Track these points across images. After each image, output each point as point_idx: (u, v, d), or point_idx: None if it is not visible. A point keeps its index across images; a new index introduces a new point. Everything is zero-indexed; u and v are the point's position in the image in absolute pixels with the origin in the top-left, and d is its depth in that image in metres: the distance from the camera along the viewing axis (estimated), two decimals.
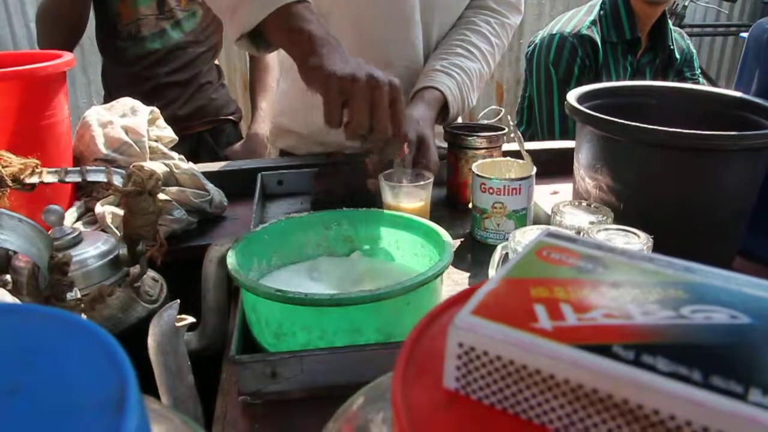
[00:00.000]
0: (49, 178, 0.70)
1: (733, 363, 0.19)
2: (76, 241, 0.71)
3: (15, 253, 0.69)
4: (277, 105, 1.35)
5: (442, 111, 1.07)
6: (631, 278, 0.24)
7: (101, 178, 0.72)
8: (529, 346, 0.20)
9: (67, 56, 0.91)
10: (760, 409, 0.17)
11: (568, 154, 0.93)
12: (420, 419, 0.19)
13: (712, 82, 3.58)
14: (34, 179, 0.69)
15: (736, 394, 0.18)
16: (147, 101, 1.08)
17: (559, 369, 0.19)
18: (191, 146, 1.68)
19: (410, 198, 0.85)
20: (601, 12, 1.75)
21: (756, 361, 0.19)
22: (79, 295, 0.62)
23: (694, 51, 1.93)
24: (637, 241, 0.68)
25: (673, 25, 1.92)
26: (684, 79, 1.88)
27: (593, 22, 1.74)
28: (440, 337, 0.21)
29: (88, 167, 0.72)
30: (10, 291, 0.65)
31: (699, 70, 1.96)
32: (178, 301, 0.62)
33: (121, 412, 0.17)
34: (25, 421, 0.17)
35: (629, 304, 0.22)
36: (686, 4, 3.27)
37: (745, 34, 1.02)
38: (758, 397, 0.17)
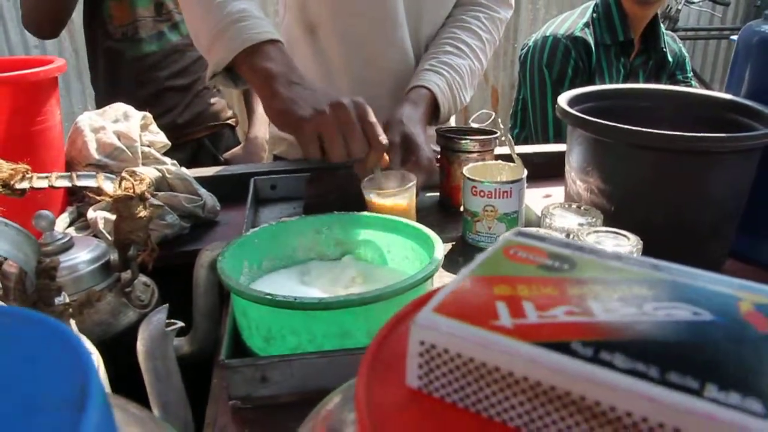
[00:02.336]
0: (39, 183, 0.70)
1: (692, 359, 0.19)
2: (67, 246, 0.71)
3: (5, 258, 0.69)
4: None
5: (434, 110, 1.07)
6: (597, 276, 0.24)
7: (91, 183, 0.72)
8: (487, 344, 0.20)
9: (58, 62, 0.91)
10: (715, 405, 0.17)
11: (561, 157, 0.93)
12: (382, 418, 0.19)
13: (706, 85, 3.59)
14: (24, 185, 0.69)
15: (692, 390, 0.18)
16: (146, 108, 1.08)
17: (518, 366, 0.19)
18: (192, 152, 1.69)
19: (392, 202, 0.85)
20: (594, 14, 1.76)
21: (715, 357, 0.19)
22: (67, 300, 0.62)
23: (687, 54, 1.94)
24: (627, 243, 0.68)
25: (667, 28, 1.93)
26: (676, 82, 1.89)
27: (586, 24, 1.75)
28: (406, 336, 0.22)
29: (78, 172, 0.72)
30: (0, 297, 0.65)
31: (691, 73, 1.97)
32: (167, 305, 0.62)
33: (83, 410, 0.17)
34: None
35: (592, 302, 0.22)
36: (680, 7, 3.28)
37: (735, 37, 1.02)
38: (714, 392, 0.17)
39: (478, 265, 0.24)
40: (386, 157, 0.86)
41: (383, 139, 0.82)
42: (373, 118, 0.83)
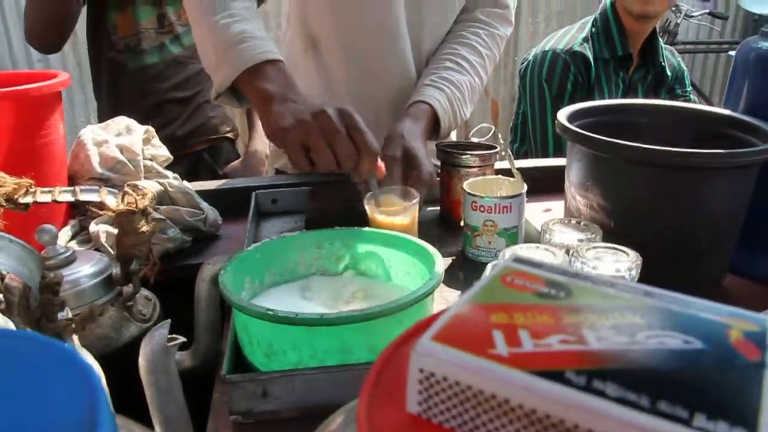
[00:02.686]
0: (43, 197, 0.70)
1: (682, 388, 0.20)
2: (69, 260, 0.71)
3: (8, 272, 0.69)
4: None
5: (435, 126, 1.08)
6: (592, 303, 0.24)
7: (94, 197, 0.73)
8: (484, 372, 0.20)
9: (62, 76, 0.92)
10: None
11: (561, 171, 0.93)
12: None
13: (706, 99, 3.60)
14: (28, 199, 0.70)
15: (682, 420, 0.18)
16: (147, 119, 1.09)
17: (514, 394, 0.20)
18: (190, 165, 1.69)
19: (394, 218, 0.85)
20: (593, 29, 1.77)
21: (704, 385, 0.20)
22: (70, 315, 0.62)
23: (686, 68, 1.95)
24: (626, 259, 0.69)
25: (666, 42, 1.94)
26: (675, 97, 1.90)
27: (585, 39, 1.76)
28: (407, 361, 0.22)
29: (81, 186, 0.73)
30: (2, 311, 0.66)
31: (690, 87, 1.98)
32: (169, 320, 0.62)
33: None
34: None
35: (586, 330, 0.22)
36: (679, 21, 3.30)
37: (734, 52, 1.03)
38: (703, 422, 0.18)
39: (476, 292, 0.25)
40: (382, 167, 0.86)
41: (372, 144, 0.81)
42: (360, 124, 0.81)
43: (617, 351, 0.21)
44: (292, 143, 0.81)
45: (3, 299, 0.67)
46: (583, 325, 0.23)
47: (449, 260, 0.91)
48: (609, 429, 0.18)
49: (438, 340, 0.22)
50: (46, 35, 1.50)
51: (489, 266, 0.74)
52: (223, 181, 1.21)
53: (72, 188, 0.73)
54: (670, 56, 1.90)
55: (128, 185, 0.83)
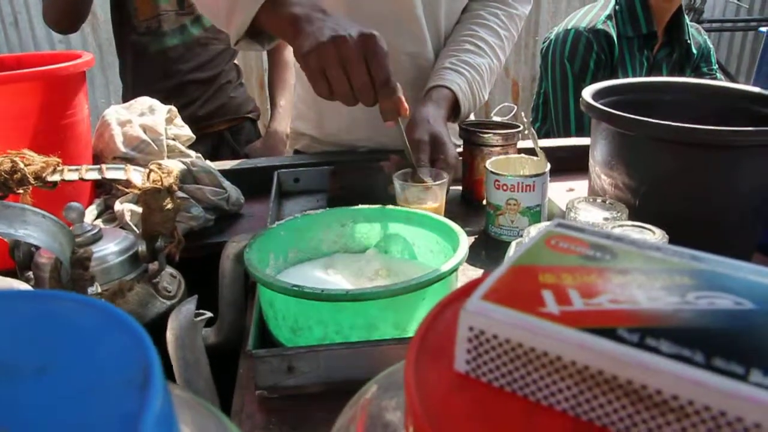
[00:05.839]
0: (70, 175, 0.71)
1: (735, 346, 0.20)
2: (96, 237, 0.72)
3: (37, 249, 0.70)
4: (294, 110, 1.37)
5: (454, 109, 1.07)
6: (639, 266, 0.24)
7: (120, 175, 0.73)
8: (536, 330, 0.20)
9: (86, 56, 0.92)
10: (760, 389, 0.17)
11: (585, 150, 0.93)
12: (432, 401, 0.20)
13: (732, 78, 3.54)
14: (56, 177, 0.70)
15: (738, 375, 0.18)
16: (169, 100, 1.09)
17: (566, 351, 0.20)
18: (212, 145, 1.70)
19: (425, 197, 0.86)
20: (617, 7, 1.74)
21: (758, 344, 0.20)
22: (99, 290, 0.63)
23: (712, 46, 1.92)
24: (653, 237, 0.68)
25: (692, 20, 1.90)
26: (701, 75, 1.87)
27: (609, 17, 1.73)
28: (453, 322, 0.22)
29: (107, 165, 0.74)
30: (33, 287, 0.67)
31: (717, 66, 1.94)
32: (196, 296, 0.63)
33: (146, 390, 0.18)
34: (52, 397, 0.18)
35: (635, 290, 0.22)
36: None
37: (764, 29, 1.01)
38: (759, 377, 0.18)
39: (521, 255, 0.25)
40: (405, 105, 0.81)
41: (388, 79, 0.78)
42: (381, 54, 0.78)
43: (668, 310, 0.21)
44: (310, 68, 0.78)
45: (33, 276, 0.69)
46: (632, 286, 0.23)
47: (472, 239, 0.91)
48: (663, 384, 0.18)
49: (488, 299, 0.22)
50: (61, 16, 1.51)
51: (512, 244, 0.74)
52: (245, 160, 1.22)
53: (98, 166, 0.73)
54: (696, 34, 1.87)
55: (152, 164, 0.83)
